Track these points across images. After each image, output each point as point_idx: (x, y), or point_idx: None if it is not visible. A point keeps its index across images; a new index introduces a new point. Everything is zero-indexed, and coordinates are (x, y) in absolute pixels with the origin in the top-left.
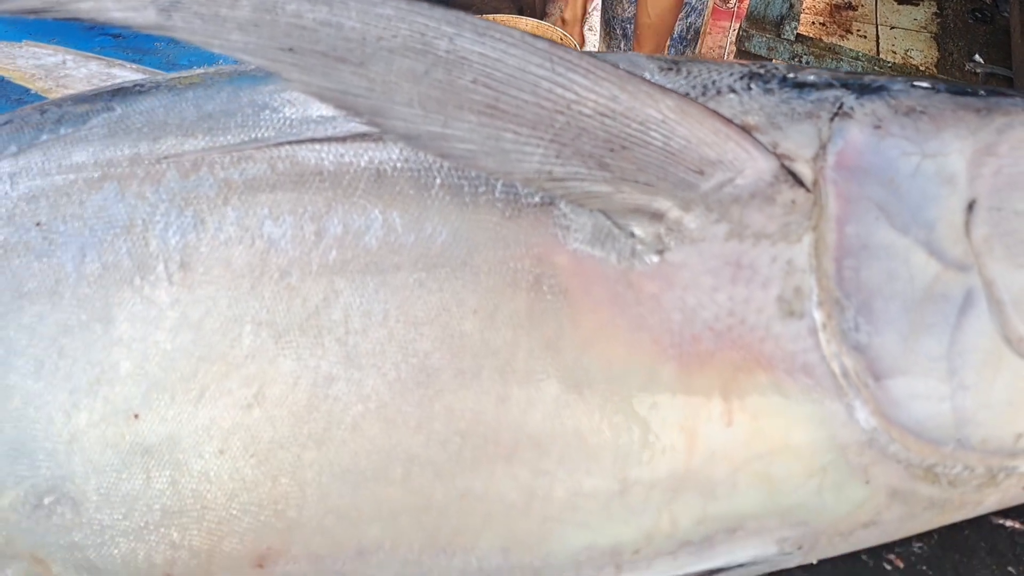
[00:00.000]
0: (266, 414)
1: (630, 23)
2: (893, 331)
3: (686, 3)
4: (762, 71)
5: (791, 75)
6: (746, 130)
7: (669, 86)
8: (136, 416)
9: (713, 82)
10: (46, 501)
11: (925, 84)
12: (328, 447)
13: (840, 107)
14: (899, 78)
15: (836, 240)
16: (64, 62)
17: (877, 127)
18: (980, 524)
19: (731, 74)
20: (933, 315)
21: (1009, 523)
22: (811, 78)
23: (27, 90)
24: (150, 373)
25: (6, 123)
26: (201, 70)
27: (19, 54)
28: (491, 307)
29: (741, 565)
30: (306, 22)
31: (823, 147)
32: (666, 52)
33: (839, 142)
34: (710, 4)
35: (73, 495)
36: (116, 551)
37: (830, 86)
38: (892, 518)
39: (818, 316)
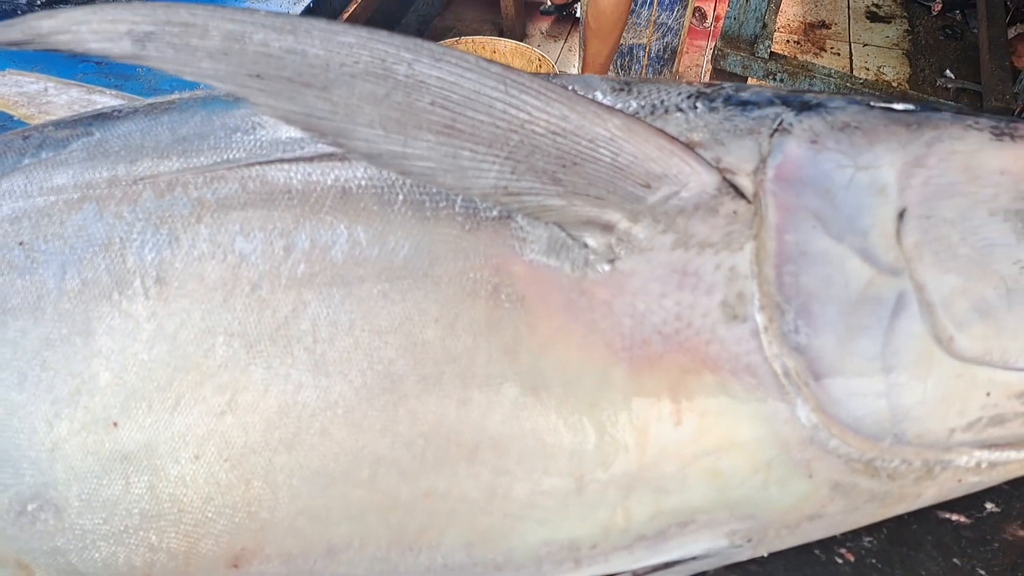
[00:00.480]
0: (239, 420)
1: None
2: (831, 333)
3: (662, 24)
4: (708, 91)
5: (735, 94)
6: (690, 146)
7: (620, 106)
8: (115, 424)
9: (661, 101)
10: (30, 508)
11: (859, 101)
12: (298, 451)
13: (780, 123)
14: (836, 96)
15: (776, 248)
16: (46, 89)
17: (814, 142)
18: (927, 519)
19: (679, 94)
20: (868, 317)
21: (955, 517)
22: (753, 96)
23: (10, 117)
24: (128, 383)
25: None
26: (177, 95)
27: (2, 82)
28: (452, 316)
29: (695, 558)
30: (272, 50)
31: (763, 161)
32: (610, 58)
33: (778, 156)
34: (686, 24)
35: (56, 501)
36: (97, 555)
37: (771, 104)
38: (836, 511)
39: (760, 319)
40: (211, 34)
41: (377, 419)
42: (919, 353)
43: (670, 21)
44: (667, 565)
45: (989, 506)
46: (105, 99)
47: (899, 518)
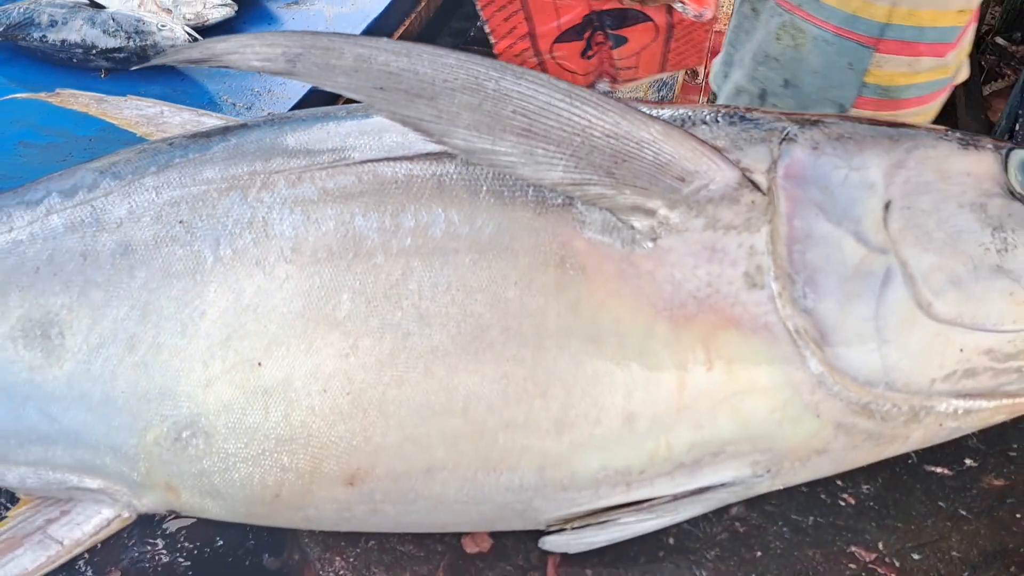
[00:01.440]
0: (359, 361)
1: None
2: (832, 299)
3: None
4: (726, 109)
5: (748, 113)
6: (716, 149)
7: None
8: (259, 364)
9: (689, 117)
10: (184, 435)
11: (851, 118)
12: (406, 386)
13: (786, 134)
14: (831, 114)
15: (786, 230)
16: (162, 112)
17: (815, 148)
18: (915, 472)
19: (703, 112)
20: (862, 286)
21: (939, 470)
22: (763, 115)
23: (133, 134)
24: (270, 331)
25: (140, 152)
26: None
27: (125, 106)
28: (528, 279)
29: (724, 485)
30: (392, 68)
31: (774, 162)
32: None
33: (786, 159)
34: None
35: (206, 429)
36: (236, 475)
37: (779, 120)
38: (839, 447)
39: (775, 287)
40: (345, 55)
41: (469, 361)
42: (904, 316)
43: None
44: (701, 490)
45: (968, 461)
46: (212, 120)
47: (891, 471)
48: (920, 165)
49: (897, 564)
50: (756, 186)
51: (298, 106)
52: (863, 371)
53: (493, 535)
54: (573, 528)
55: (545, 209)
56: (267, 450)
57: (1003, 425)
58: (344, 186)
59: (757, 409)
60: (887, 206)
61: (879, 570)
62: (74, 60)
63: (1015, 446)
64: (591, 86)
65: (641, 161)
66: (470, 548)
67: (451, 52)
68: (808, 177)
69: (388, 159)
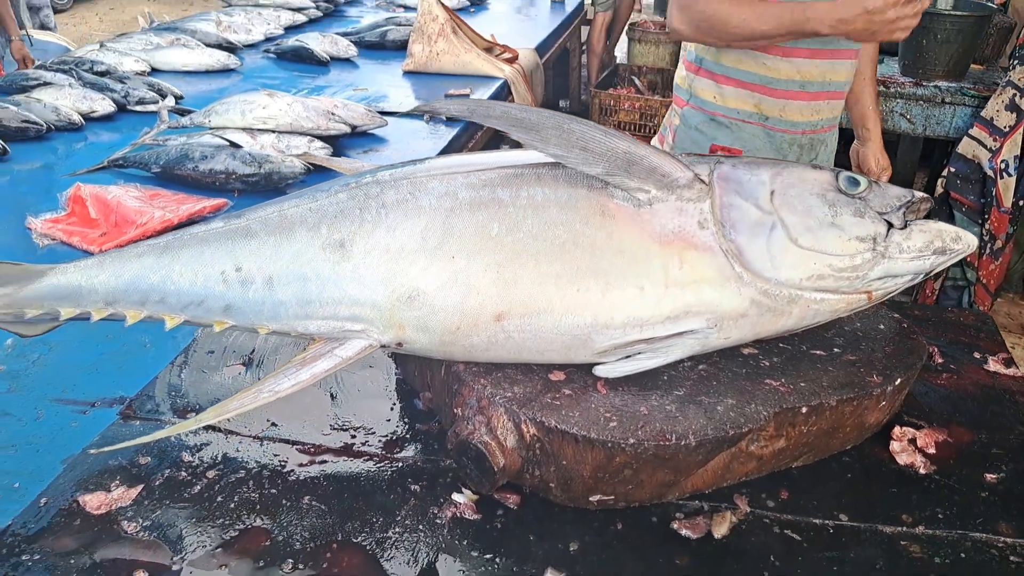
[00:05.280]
0: (504, 256)
1: None
2: (745, 236)
3: None
4: (689, 152)
5: (698, 155)
6: (682, 164)
7: None
8: (453, 257)
9: (670, 154)
10: (412, 295)
11: (755, 157)
12: (527, 269)
13: (718, 160)
14: (748, 156)
15: (719, 202)
16: (363, 165)
17: (734, 166)
18: (805, 353)
19: (679, 155)
20: (759, 230)
21: (818, 352)
22: (707, 154)
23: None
24: (458, 242)
25: (377, 168)
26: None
27: (342, 163)
28: (586, 220)
29: (692, 332)
30: (518, 116)
31: (711, 171)
32: None
33: (719, 170)
34: None
35: (424, 291)
36: (439, 317)
37: (715, 156)
38: (753, 314)
39: (714, 229)
40: (496, 110)
41: (557, 259)
42: (783, 245)
43: None
44: (680, 334)
45: (836, 349)
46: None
47: (790, 352)
48: (790, 174)
49: (792, 386)
50: (703, 181)
51: None
52: (763, 272)
53: (566, 371)
54: (611, 362)
55: (593, 187)
56: (455, 303)
57: (857, 332)
58: (492, 178)
59: (707, 289)
60: (772, 193)
61: (780, 388)
62: (216, 184)
63: (863, 345)
64: None
65: (642, 166)
66: (553, 378)
67: (546, 110)
68: (731, 178)
69: (512, 166)
